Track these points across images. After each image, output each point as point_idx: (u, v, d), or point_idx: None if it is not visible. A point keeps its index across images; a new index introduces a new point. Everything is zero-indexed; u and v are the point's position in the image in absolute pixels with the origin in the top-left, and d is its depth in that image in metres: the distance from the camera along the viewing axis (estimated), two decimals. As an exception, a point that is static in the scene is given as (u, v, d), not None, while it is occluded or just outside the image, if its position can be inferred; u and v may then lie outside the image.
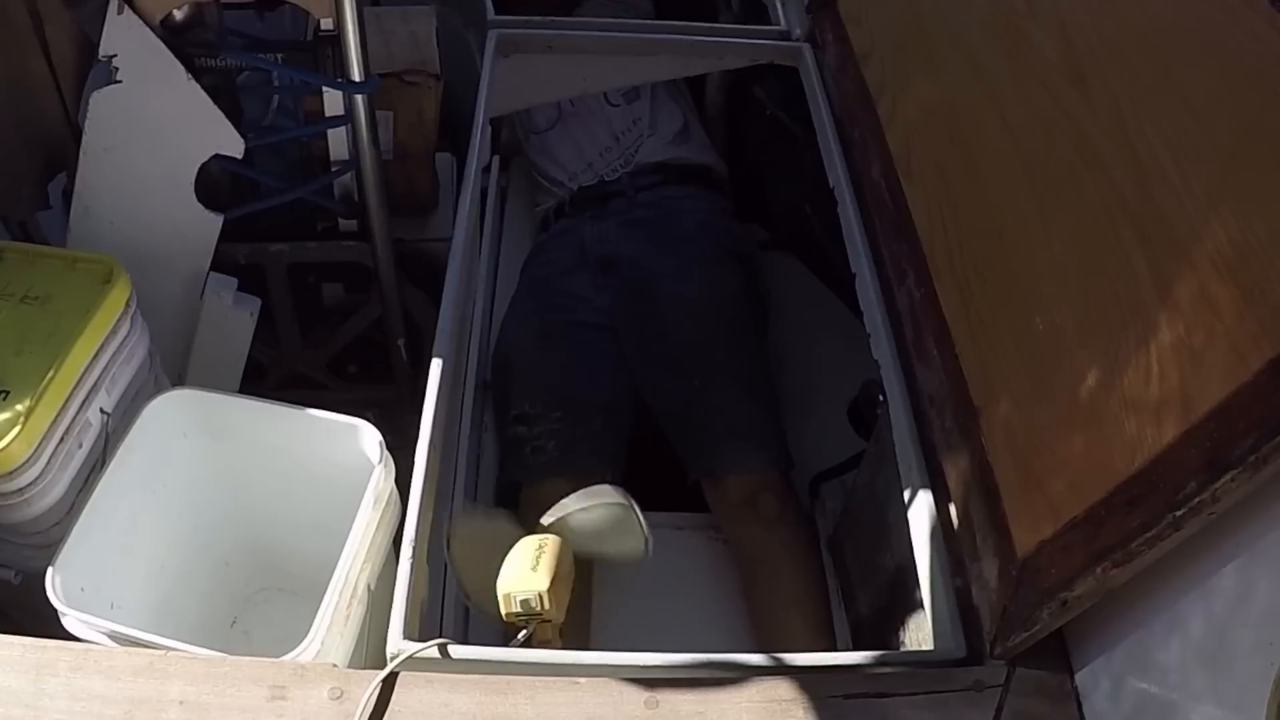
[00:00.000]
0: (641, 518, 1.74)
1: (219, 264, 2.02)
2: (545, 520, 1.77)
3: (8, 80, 1.75)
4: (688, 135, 2.85)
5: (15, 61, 1.74)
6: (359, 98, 1.84)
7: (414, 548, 1.48)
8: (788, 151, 2.58)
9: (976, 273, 1.58)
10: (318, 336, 2.33)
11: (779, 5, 2.66)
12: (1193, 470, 1.05)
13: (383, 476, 1.58)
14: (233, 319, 2.06)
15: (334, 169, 1.99)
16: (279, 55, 1.92)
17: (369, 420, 1.68)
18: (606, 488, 1.73)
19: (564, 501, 1.78)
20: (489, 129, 2.29)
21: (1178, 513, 1.06)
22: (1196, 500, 1.04)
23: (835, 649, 1.95)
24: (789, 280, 2.73)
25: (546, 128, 2.89)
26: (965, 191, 1.69)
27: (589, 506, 1.80)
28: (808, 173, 2.33)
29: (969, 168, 1.68)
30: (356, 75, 1.80)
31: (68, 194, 1.92)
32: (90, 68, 1.82)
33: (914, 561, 1.53)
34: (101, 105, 1.80)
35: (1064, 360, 1.32)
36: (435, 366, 1.72)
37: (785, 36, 2.55)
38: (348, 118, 1.89)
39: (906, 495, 1.57)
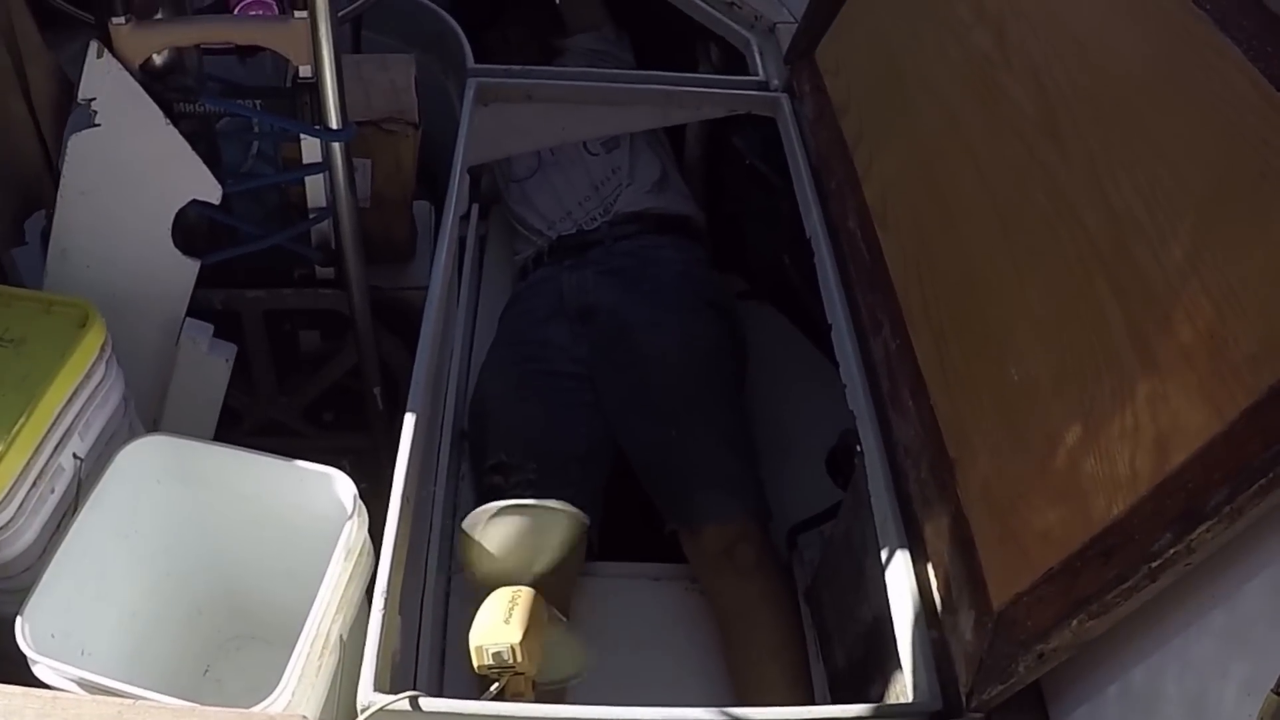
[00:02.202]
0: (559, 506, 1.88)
1: (195, 309, 2.01)
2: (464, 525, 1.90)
3: None
4: (666, 184, 2.86)
5: None
6: (337, 145, 1.85)
7: (386, 599, 1.48)
8: (766, 201, 2.59)
9: (952, 323, 1.59)
10: (293, 383, 2.33)
11: (757, 55, 2.68)
12: (1168, 521, 1.06)
13: (355, 527, 1.57)
14: (208, 365, 2.05)
15: (311, 216, 1.99)
16: (257, 102, 1.92)
17: (344, 468, 1.67)
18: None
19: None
20: (467, 177, 2.30)
21: (1153, 564, 1.06)
22: (1172, 551, 1.05)
23: (813, 700, 1.95)
24: (767, 329, 2.74)
25: (525, 176, 2.90)
26: (941, 242, 1.70)
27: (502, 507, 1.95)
28: (786, 222, 2.34)
29: (945, 218, 1.70)
30: (335, 123, 1.80)
31: (45, 233, 1.91)
32: (67, 110, 1.81)
33: (891, 613, 1.53)
34: (80, 148, 1.79)
35: (1039, 411, 1.33)
36: (409, 420, 1.73)
37: (763, 87, 2.57)
38: (325, 165, 1.88)
39: (882, 547, 1.57)
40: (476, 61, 2.67)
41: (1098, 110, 1.40)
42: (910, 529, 1.55)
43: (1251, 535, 1.02)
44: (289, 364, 2.33)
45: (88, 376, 1.67)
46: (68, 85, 1.81)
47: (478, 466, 2.30)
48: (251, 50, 1.96)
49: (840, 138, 2.15)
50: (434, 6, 2.84)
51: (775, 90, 2.55)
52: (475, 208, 2.89)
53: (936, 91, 1.82)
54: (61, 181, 1.82)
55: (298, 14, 1.72)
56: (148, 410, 2.01)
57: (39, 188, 1.85)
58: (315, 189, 1.97)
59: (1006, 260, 1.50)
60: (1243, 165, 1.14)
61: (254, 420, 2.33)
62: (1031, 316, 1.41)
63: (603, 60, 3.29)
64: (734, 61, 2.85)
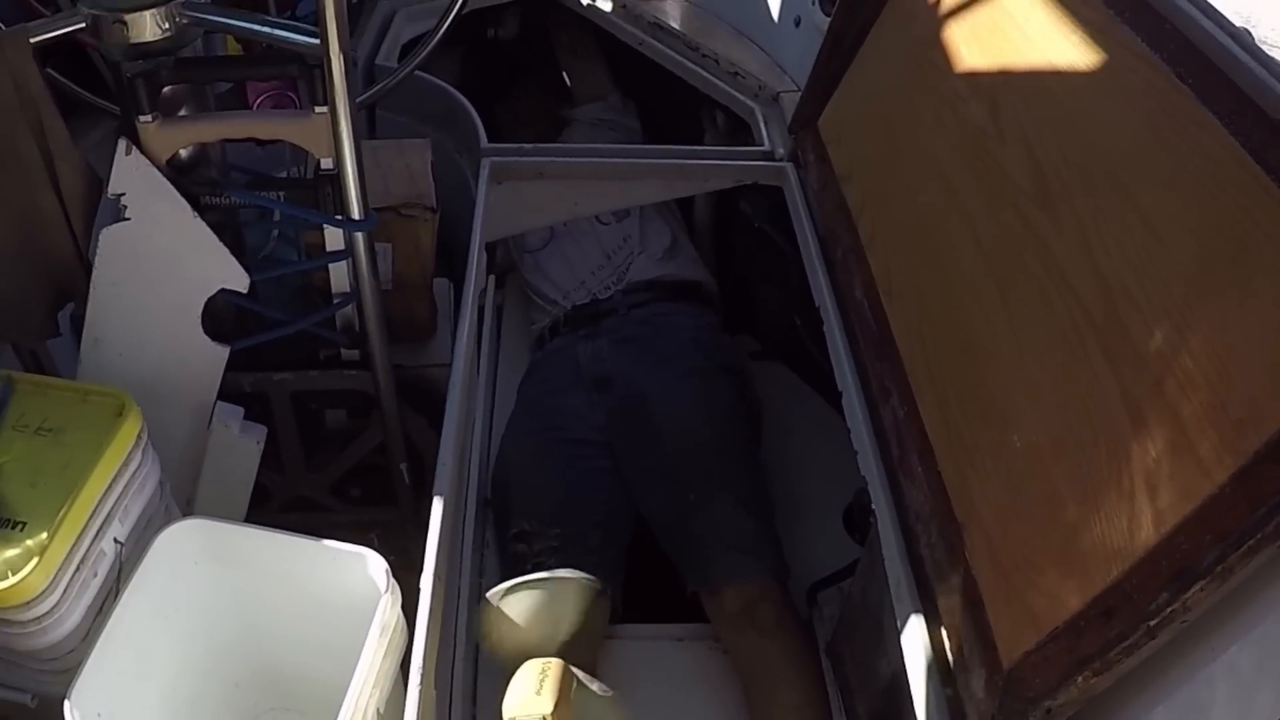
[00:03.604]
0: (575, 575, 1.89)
1: (225, 393, 2.05)
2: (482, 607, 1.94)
3: (19, 215, 1.78)
4: (677, 251, 2.91)
5: (26, 197, 1.77)
6: (359, 234, 1.89)
7: (421, 674, 1.52)
8: (775, 263, 2.63)
9: (955, 391, 1.63)
10: (321, 460, 2.36)
11: (762, 125, 2.74)
12: (1164, 581, 1.10)
13: (389, 605, 1.60)
14: (240, 447, 2.09)
15: (336, 301, 2.03)
16: (281, 193, 1.97)
17: (373, 541, 1.70)
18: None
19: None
20: (485, 256, 2.36)
21: (1152, 623, 1.10)
22: (1169, 610, 1.09)
23: (836, 756, 1.98)
24: (780, 389, 2.78)
25: (539, 247, 2.96)
26: (942, 310, 1.73)
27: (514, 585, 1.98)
28: (795, 284, 2.38)
29: (945, 287, 1.73)
30: (356, 213, 1.84)
31: (77, 323, 1.95)
32: (99, 202, 1.85)
33: (907, 672, 1.56)
34: (110, 241, 1.83)
35: (1039, 476, 1.37)
36: (437, 505, 1.77)
37: (769, 156, 2.62)
38: (348, 252, 1.93)
39: (897, 609, 1.60)
40: (488, 133, 2.72)
41: (1087, 181, 1.43)
42: (923, 590, 1.58)
43: (1243, 593, 1.06)
44: (316, 442, 2.36)
45: (125, 464, 1.70)
46: (96, 180, 1.84)
47: (502, 534, 2.35)
48: (271, 142, 2.01)
49: (844, 206, 2.19)
50: (446, 86, 2.87)
51: (780, 159, 2.60)
52: (491, 279, 2.94)
53: (934, 161, 1.85)
54: (93, 273, 1.86)
55: (318, 109, 1.77)
56: (181, 490, 2.04)
57: (72, 280, 1.88)
58: (339, 275, 2.01)
59: (1005, 328, 1.53)
60: (1225, 236, 1.18)
61: (283, 497, 2.36)
62: (1030, 383, 1.44)
63: (610, 129, 3.36)
64: (740, 127, 2.91)
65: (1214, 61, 1.26)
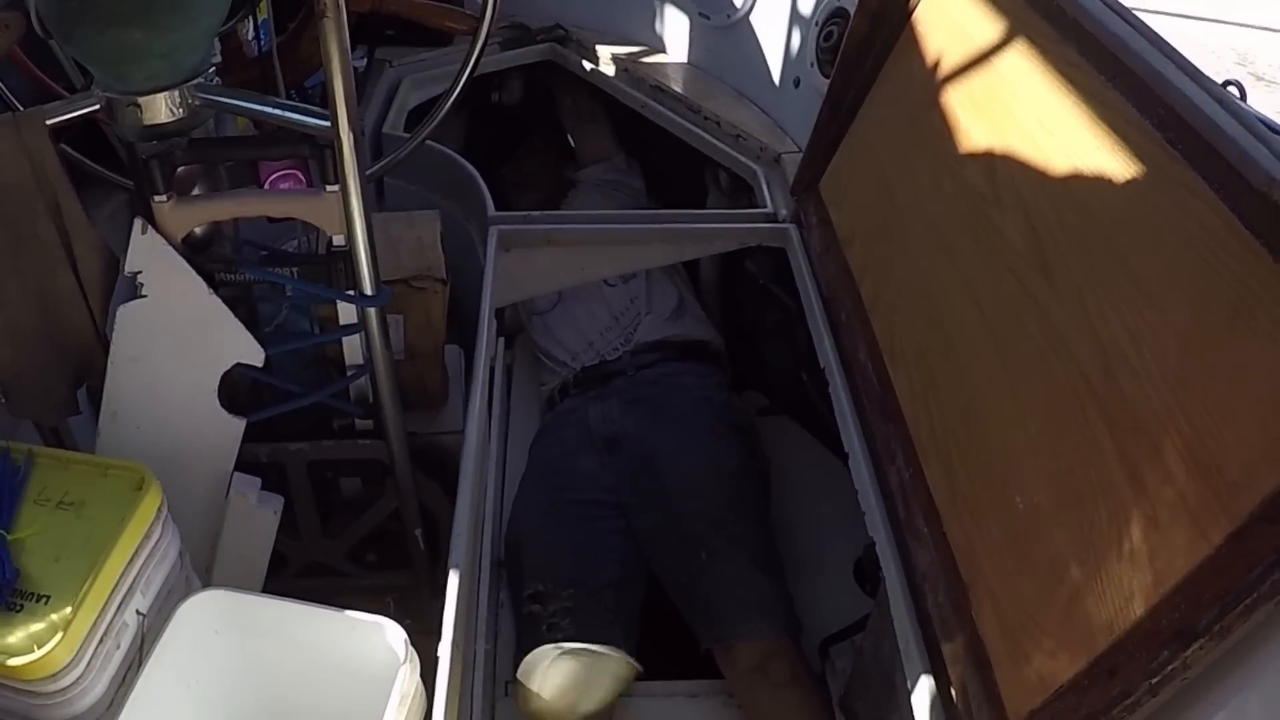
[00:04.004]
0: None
1: (242, 463, 2.07)
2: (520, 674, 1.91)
3: (38, 294, 1.81)
4: (683, 311, 2.95)
5: (45, 276, 1.80)
6: (371, 309, 1.93)
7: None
8: (781, 320, 2.66)
9: (959, 453, 1.65)
10: (337, 527, 2.38)
11: (764, 186, 2.77)
12: (1165, 640, 1.13)
13: (408, 674, 1.63)
14: (257, 517, 2.11)
15: (349, 373, 2.06)
16: (294, 269, 2.00)
17: (389, 604, 1.73)
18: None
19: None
20: (495, 323, 2.39)
21: (1153, 680, 1.13)
22: (1170, 668, 1.11)
23: (851, 811, 2.00)
24: (789, 444, 2.82)
25: (547, 309, 3.00)
26: (944, 373, 1.76)
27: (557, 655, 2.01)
28: (801, 341, 2.41)
29: (947, 350, 1.75)
30: (369, 289, 1.88)
31: (95, 396, 1.97)
32: (115, 280, 1.88)
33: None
34: (128, 318, 1.86)
35: (1042, 537, 1.39)
36: (454, 579, 1.78)
37: (772, 218, 2.65)
38: (361, 325, 1.96)
39: (906, 668, 1.62)
40: (494, 195, 2.76)
41: (1083, 246, 1.45)
42: (931, 649, 1.60)
43: (1244, 649, 1.09)
44: (332, 509, 2.39)
45: (147, 537, 1.72)
46: (113, 258, 1.86)
47: (516, 595, 2.36)
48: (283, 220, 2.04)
49: (847, 269, 2.22)
50: (453, 155, 2.90)
51: (783, 221, 2.62)
52: (500, 340, 2.97)
53: (934, 226, 1.88)
54: (111, 349, 1.88)
55: (329, 188, 1.80)
56: (201, 560, 2.06)
57: (90, 357, 1.90)
58: (352, 347, 2.03)
59: (1006, 391, 1.55)
60: (1217, 300, 1.20)
61: (300, 563, 2.38)
62: (1031, 446, 1.46)
63: (615, 190, 3.41)
64: (744, 185, 2.94)
65: (1199, 131, 1.28)
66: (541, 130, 3.89)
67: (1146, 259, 1.34)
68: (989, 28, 1.81)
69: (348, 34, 1.62)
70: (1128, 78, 1.43)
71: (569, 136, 3.75)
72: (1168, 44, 1.45)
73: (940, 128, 1.89)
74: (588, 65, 3.47)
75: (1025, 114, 1.67)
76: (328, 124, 1.69)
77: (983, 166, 1.75)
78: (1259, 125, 1.25)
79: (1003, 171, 1.70)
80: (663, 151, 3.30)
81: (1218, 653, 1.09)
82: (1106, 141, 1.46)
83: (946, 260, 1.81)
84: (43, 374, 1.90)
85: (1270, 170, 1.15)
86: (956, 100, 1.88)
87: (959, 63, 1.89)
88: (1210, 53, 7.49)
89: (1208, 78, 1.38)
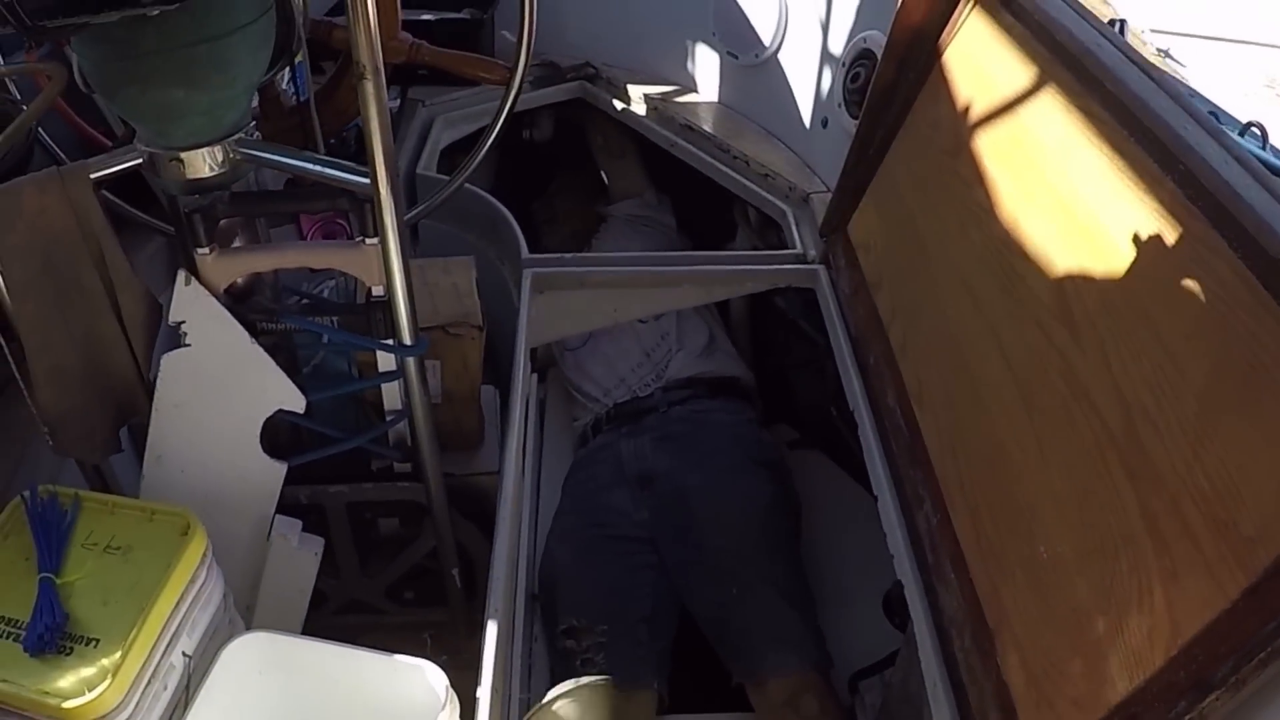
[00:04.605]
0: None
1: (283, 505, 2.12)
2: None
3: (84, 338, 1.85)
4: (714, 348, 2.98)
5: (90, 322, 1.84)
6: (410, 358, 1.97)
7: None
8: (811, 355, 2.69)
9: (985, 500, 1.68)
10: (375, 566, 2.42)
11: (793, 226, 2.80)
12: (1183, 690, 1.16)
13: (447, 716, 1.67)
14: (298, 559, 2.15)
15: (388, 418, 2.10)
16: (334, 319, 2.04)
17: (426, 641, 1.75)
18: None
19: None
20: (529, 365, 2.43)
21: (1172, 729, 1.16)
22: (1187, 718, 1.14)
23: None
24: (819, 477, 2.85)
25: (579, 345, 3.04)
26: (971, 421, 1.78)
27: (571, 690, 2.01)
28: (830, 376, 2.44)
29: (974, 398, 1.77)
30: (408, 339, 1.92)
31: (136, 433, 2.03)
32: (158, 325, 1.93)
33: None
34: (172, 366, 1.91)
35: (1066, 586, 1.41)
36: (491, 628, 1.82)
37: (801, 259, 2.68)
38: (399, 373, 2.00)
39: (934, 710, 1.64)
40: (525, 229, 2.81)
41: (1106, 299, 1.47)
42: (958, 692, 1.62)
43: (1256, 701, 1.11)
44: (370, 548, 2.42)
45: (192, 581, 1.76)
46: (156, 305, 1.90)
47: (550, 630, 2.40)
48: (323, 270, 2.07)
49: (875, 313, 2.25)
50: (488, 197, 2.94)
51: (812, 262, 2.65)
52: (534, 376, 3.01)
53: (960, 273, 1.90)
54: (156, 395, 1.93)
55: (368, 241, 1.85)
56: (242, 600, 2.10)
57: (133, 399, 1.94)
58: (391, 393, 2.08)
59: (1031, 441, 1.57)
60: (1235, 359, 1.22)
61: (340, 600, 2.42)
62: (1056, 497, 1.48)
63: (646, 225, 3.44)
64: (772, 225, 2.98)
65: (1216, 194, 1.30)
66: (572, 166, 3.94)
67: (1168, 314, 1.35)
68: (1014, 76, 1.82)
69: (386, 94, 1.66)
70: (1148, 134, 1.45)
71: (600, 172, 3.79)
72: (1188, 98, 1.46)
73: (966, 175, 1.91)
74: (618, 104, 3.52)
75: (1050, 165, 1.69)
76: (367, 180, 1.73)
77: (1007, 216, 1.77)
78: (1276, 183, 1.27)
79: (1027, 222, 1.71)
80: (693, 187, 3.32)
81: (1233, 704, 1.12)
82: (1129, 196, 1.47)
83: (973, 308, 1.83)
84: (87, 415, 1.94)
85: (1286, 237, 1.17)
86: (982, 148, 1.90)
87: (984, 110, 1.91)
88: (1237, 74, 7.46)
89: (1227, 135, 1.39)
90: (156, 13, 1.45)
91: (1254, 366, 1.19)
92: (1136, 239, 1.45)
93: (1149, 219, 1.43)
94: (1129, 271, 1.45)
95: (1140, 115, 1.47)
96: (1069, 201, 1.62)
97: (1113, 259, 1.48)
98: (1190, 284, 1.32)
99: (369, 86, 1.63)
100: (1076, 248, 1.58)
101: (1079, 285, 1.55)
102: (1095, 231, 1.54)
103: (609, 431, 2.84)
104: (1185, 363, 1.30)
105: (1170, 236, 1.38)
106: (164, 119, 1.76)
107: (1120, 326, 1.43)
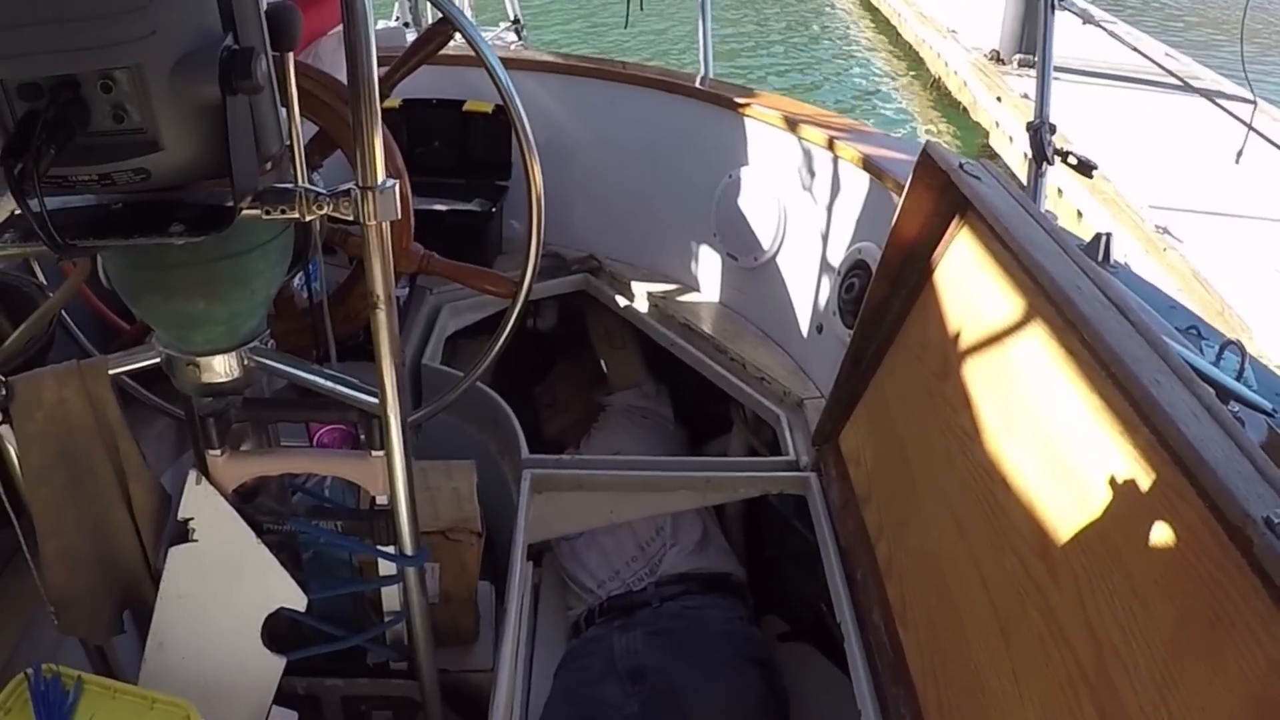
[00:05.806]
0: None
1: (279, 696, 2.12)
2: None
3: (94, 524, 1.90)
4: (707, 543, 3.03)
5: (101, 510, 1.89)
6: (411, 566, 2.02)
7: None
8: (802, 551, 2.73)
9: (963, 727, 1.72)
10: (369, 758, 2.45)
11: (787, 432, 2.87)
12: None
13: None
14: (293, 751, 2.17)
15: (386, 619, 2.14)
16: (338, 524, 2.08)
17: None
18: None
19: None
20: (528, 566, 2.47)
21: None
22: None
23: None
24: (808, 671, 2.88)
25: (575, 536, 3.08)
26: (952, 645, 1.82)
27: None
28: (821, 573, 2.46)
29: (955, 623, 1.81)
30: (408, 548, 1.97)
31: (138, 619, 2.05)
32: (167, 516, 1.97)
33: None
34: (178, 559, 1.95)
35: None
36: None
37: (794, 466, 2.74)
38: (399, 577, 2.04)
39: None
40: (525, 413, 2.87)
41: (1082, 538, 1.51)
42: None
43: None
44: (364, 740, 2.44)
45: (189, 775, 1.78)
46: (165, 497, 1.95)
47: (539, 824, 2.43)
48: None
49: (864, 527, 2.30)
50: (491, 393, 2.99)
51: (804, 469, 2.71)
52: (530, 563, 3.04)
53: (945, 496, 1.94)
54: (161, 585, 1.97)
55: (375, 453, 1.91)
56: (236, 789, 2.13)
57: (138, 584, 1.98)
58: (390, 595, 2.12)
59: (1008, 672, 1.61)
60: (1201, 605, 1.26)
61: (335, 791, 2.45)
62: None
63: (644, 416, 3.51)
64: (766, 422, 3.04)
65: (1182, 454, 1.33)
66: (573, 353, 4.01)
67: (1139, 558, 1.39)
68: (1000, 303, 1.88)
69: (397, 324, 1.73)
70: (1122, 386, 1.50)
71: (601, 361, 3.87)
72: (1165, 346, 1.51)
73: (953, 399, 1.97)
74: (621, 300, 3.62)
75: (1032, 396, 1.74)
76: (376, 400, 1.80)
77: (990, 445, 1.82)
78: (1249, 445, 1.31)
79: (1009, 453, 1.76)
80: (691, 380, 3.40)
81: None
82: (1104, 437, 1.52)
83: (956, 533, 1.87)
84: (93, 597, 1.98)
85: (1245, 505, 1.21)
86: (968, 374, 1.95)
87: (971, 336, 1.96)
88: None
89: (1200, 384, 1.43)
90: (182, 243, 1.51)
91: (1218, 615, 1.24)
92: (1112, 480, 1.49)
93: (1123, 461, 1.47)
94: (1104, 512, 1.49)
95: (1115, 370, 1.51)
96: (1049, 435, 1.67)
97: (1088, 498, 1.53)
98: (1160, 529, 1.37)
99: (381, 316, 1.69)
100: (1055, 483, 1.62)
101: (1056, 521, 1.59)
102: (1072, 468, 1.59)
103: (602, 624, 2.88)
104: (1154, 606, 1.34)
105: (1144, 481, 1.43)
106: (184, 326, 1.81)
107: (1094, 565, 1.47)
